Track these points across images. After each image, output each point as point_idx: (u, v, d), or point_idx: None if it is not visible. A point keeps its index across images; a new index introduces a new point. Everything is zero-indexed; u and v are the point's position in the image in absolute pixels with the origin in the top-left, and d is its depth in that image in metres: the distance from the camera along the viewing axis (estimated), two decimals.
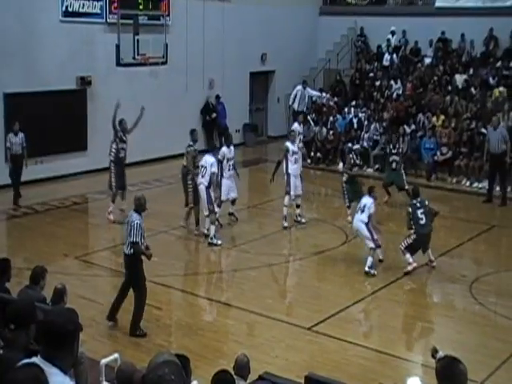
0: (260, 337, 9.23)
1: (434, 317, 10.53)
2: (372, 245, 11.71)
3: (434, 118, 19.77)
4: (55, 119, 17.11)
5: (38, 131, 16.66)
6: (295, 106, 22.52)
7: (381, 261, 12.25)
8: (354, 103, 21.94)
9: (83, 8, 17.91)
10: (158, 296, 10.77)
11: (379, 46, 24.28)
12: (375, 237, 11.81)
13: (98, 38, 18.10)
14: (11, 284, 7.94)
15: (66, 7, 17.51)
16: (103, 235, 13.79)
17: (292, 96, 22.63)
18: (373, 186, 12.90)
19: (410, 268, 11.65)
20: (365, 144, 20.28)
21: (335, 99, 22.83)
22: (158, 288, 11.02)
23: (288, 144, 14.34)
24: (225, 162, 13.55)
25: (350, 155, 15.13)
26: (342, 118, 21.43)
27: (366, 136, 20.41)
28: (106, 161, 16.47)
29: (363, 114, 21.18)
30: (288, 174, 14.10)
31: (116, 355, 6.66)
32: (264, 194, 15.41)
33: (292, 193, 14.06)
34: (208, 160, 12.99)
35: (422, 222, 11.68)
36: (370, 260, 11.65)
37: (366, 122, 20.77)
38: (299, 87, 22.60)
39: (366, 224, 11.82)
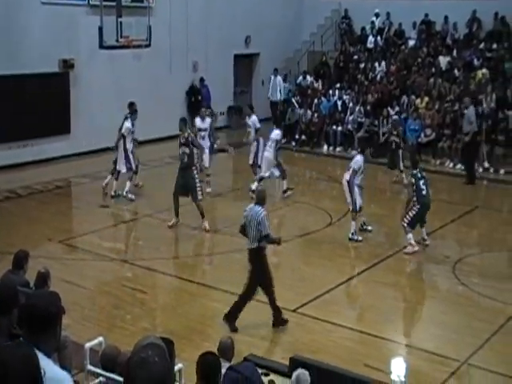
0: (245, 319, 9.24)
1: (417, 298, 10.60)
2: (350, 207, 11.84)
3: (418, 100, 19.81)
4: (38, 103, 16.94)
5: (21, 115, 16.52)
6: (269, 95, 22.68)
7: (365, 229, 12.33)
8: (338, 86, 21.92)
9: None
10: (143, 280, 10.79)
11: (363, 28, 24.26)
12: (355, 198, 11.87)
13: (80, 20, 17.91)
14: None
15: None
16: (87, 219, 13.73)
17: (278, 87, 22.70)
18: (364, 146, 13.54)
19: (410, 250, 11.71)
20: (349, 126, 20.30)
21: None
22: (142, 271, 11.03)
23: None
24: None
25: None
26: (326, 100, 21.42)
27: (350, 118, 20.43)
28: (89, 144, 16.44)
29: (347, 97, 21.19)
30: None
31: (100, 339, 6.66)
32: (248, 177, 15.38)
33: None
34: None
35: (424, 192, 11.78)
36: (352, 225, 11.72)
37: (350, 105, 20.77)
38: (279, 77, 22.74)
39: (348, 182, 11.90)
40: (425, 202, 11.80)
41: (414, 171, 12.00)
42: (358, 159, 12.32)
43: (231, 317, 8.94)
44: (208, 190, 14.97)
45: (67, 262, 11.32)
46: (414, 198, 11.80)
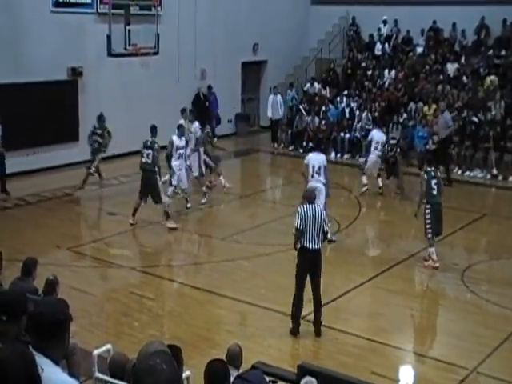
0: (252, 326, 9.25)
1: (425, 305, 10.58)
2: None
3: (426, 107, 19.79)
4: (47, 110, 17.03)
5: (30, 122, 16.61)
6: (270, 115, 22.06)
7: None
8: (346, 93, 21.93)
9: None
10: (151, 287, 10.80)
11: (371, 36, 24.27)
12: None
13: (88, 28, 18.00)
14: (3, 276, 7.93)
15: None
16: (95, 226, 13.78)
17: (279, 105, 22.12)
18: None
19: (430, 264, 11.48)
20: (357, 134, 20.31)
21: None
22: (150, 278, 11.05)
23: (174, 137, 14.08)
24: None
25: None
26: (334, 107, 21.43)
27: (358, 126, 20.43)
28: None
29: (355, 104, 21.19)
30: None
31: (108, 346, 6.66)
32: (256, 184, 15.40)
33: (175, 183, 14.00)
34: None
35: (435, 192, 11.54)
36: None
37: (357, 112, 20.77)
38: (272, 95, 22.07)
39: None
40: (434, 201, 11.53)
41: (429, 169, 11.78)
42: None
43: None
44: (203, 200, 14.91)
45: (75, 269, 11.34)
46: (425, 200, 11.61)
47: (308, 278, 9.02)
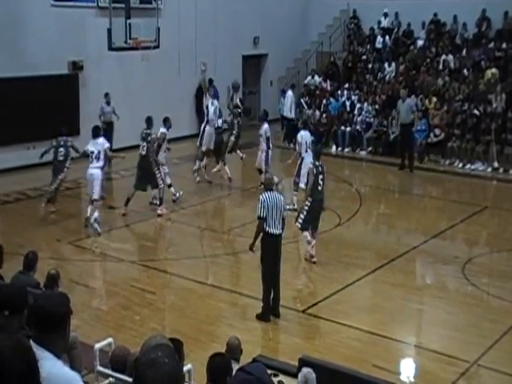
0: (253, 320, 9.26)
1: (426, 298, 10.58)
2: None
3: (427, 101, 19.77)
4: (47, 104, 17.01)
5: (31, 116, 16.60)
6: (287, 111, 21.33)
7: None
8: (346, 86, 21.90)
9: None
10: (152, 280, 10.81)
11: (372, 29, 24.20)
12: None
13: (89, 22, 17.98)
14: (4, 270, 7.94)
15: None
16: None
17: (288, 105, 21.28)
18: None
19: (310, 249, 11.39)
20: (358, 127, 20.30)
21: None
22: (151, 272, 11.06)
23: (164, 130, 14.28)
24: None
25: None
26: (335, 100, 21.40)
27: (358, 119, 20.42)
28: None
29: (356, 97, 21.17)
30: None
31: (110, 339, 6.68)
32: (257, 178, 15.36)
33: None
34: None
35: (320, 188, 11.30)
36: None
37: (358, 105, 20.75)
38: (290, 92, 21.20)
39: None
40: (317, 198, 11.24)
41: (317, 163, 11.37)
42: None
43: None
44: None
45: (76, 262, 11.36)
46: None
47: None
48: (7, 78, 16.28)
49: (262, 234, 9.25)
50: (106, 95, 17.49)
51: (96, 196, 12.79)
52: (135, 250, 12.54)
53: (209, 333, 8.92)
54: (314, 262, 11.33)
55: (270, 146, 15.37)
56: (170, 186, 14.42)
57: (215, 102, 16.23)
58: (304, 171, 13.33)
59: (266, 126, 15.27)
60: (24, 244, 10.89)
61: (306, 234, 11.43)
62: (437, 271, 11.67)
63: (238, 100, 16.73)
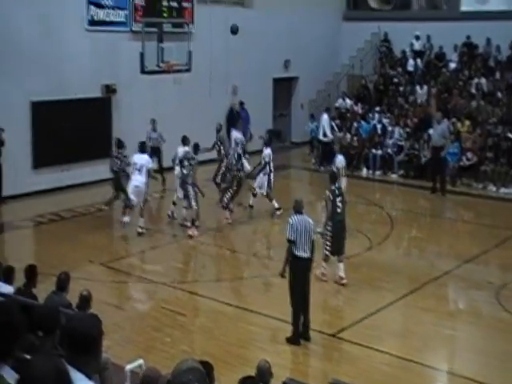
0: (283, 343, 9.21)
1: (459, 324, 10.43)
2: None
3: (459, 124, 19.64)
4: (81, 127, 17.29)
5: (65, 139, 16.87)
6: (324, 134, 20.71)
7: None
8: (377, 109, 21.87)
9: (108, 17, 18.14)
10: (182, 302, 10.83)
11: (403, 51, 24.18)
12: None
13: (122, 46, 18.27)
14: (37, 290, 8.04)
15: (92, 16, 17.74)
16: (128, 241, 13.87)
17: (325, 127, 20.75)
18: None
19: (321, 275, 11.36)
20: (389, 150, 20.22)
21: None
22: (182, 294, 11.09)
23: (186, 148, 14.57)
24: None
25: None
26: (366, 123, 21.36)
27: (389, 142, 20.34)
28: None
29: (387, 120, 21.12)
30: None
31: (141, 361, 6.70)
32: (287, 200, 15.33)
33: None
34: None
35: (339, 210, 11.28)
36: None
37: (389, 128, 20.70)
38: (325, 116, 20.77)
39: None
40: (337, 219, 11.23)
41: (333, 187, 11.42)
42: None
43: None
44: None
45: (108, 283, 11.43)
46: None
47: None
48: (43, 101, 16.58)
49: (291, 257, 9.23)
50: (153, 122, 17.48)
51: (142, 205, 13.93)
52: (166, 272, 12.57)
53: (239, 356, 8.89)
54: (343, 284, 11.29)
55: (272, 169, 15.38)
56: (174, 203, 14.88)
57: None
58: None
59: (268, 151, 15.38)
60: (57, 265, 11.00)
61: (324, 264, 11.42)
62: (470, 296, 11.50)
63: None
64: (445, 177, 17.91)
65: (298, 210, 9.45)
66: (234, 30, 15.82)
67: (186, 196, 13.99)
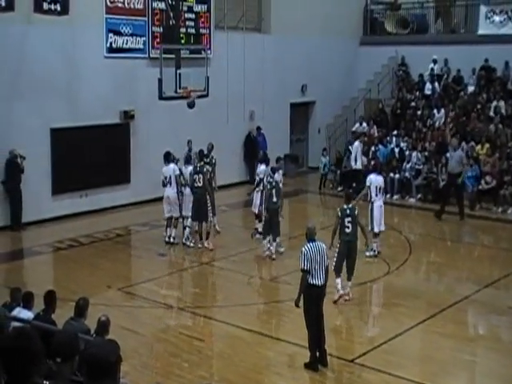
0: (301, 369, 9.15)
1: (479, 349, 10.30)
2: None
3: (479, 147, 19.56)
4: (99, 153, 17.46)
5: (84, 165, 17.03)
6: (355, 164, 20.34)
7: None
8: (395, 133, 21.86)
9: (127, 44, 18.38)
10: (200, 327, 10.83)
11: (421, 75, 24.20)
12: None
13: (140, 72, 18.47)
14: (56, 316, 8.07)
15: (111, 43, 17.99)
16: (145, 267, 13.91)
17: (353, 155, 20.40)
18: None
19: (336, 297, 11.40)
20: (406, 174, 20.16)
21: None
22: (199, 319, 11.08)
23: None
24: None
25: None
26: (383, 147, 21.34)
27: (407, 166, 20.29)
28: (148, 193, 16.73)
29: (405, 144, 21.09)
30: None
31: None
32: (304, 225, 15.31)
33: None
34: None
35: (348, 230, 11.46)
36: None
37: (407, 152, 20.66)
38: (357, 143, 20.45)
39: None
40: (346, 239, 11.48)
41: (344, 206, 11.67)
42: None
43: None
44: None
45: (126, 309, 11.45)
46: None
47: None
48: (62, 127, 16.77)
49: (306, 286, 9.19)
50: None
51: (177, 214, 14.74)
52: (184, 297, 12.59)
53: (257, 381, 8.85)
54: (346, 300, 11.46)
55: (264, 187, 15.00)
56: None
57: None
58: (376, 215, 13.82)
59: (262, 167, 15.35)
60: (76, 290, 11.05)
61: (338, 281, 11.43)
62: (490, 322, 11.37)
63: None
64: (463, 201, 17.74)
65: (310, 237, 9.45)
66: (191, 106, 15.95)
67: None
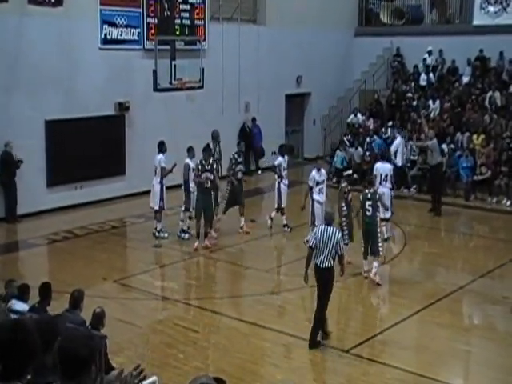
0: (297, 359, 9.18)
1: (474, 339, 10.35)
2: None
3: (474, 137, 19.56)
4: (94, 145, 17.41)
5: (79, 157, 16.98)
6: (398, 161, 19.20)
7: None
8: (390, 124, 21.85)
9: (121, 35, 18.31)
10: (195, 319, 10.84)
11: (416, 66, 24.19)
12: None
13: (135, 64, 18.42)
14: (51, 308, 8.07)
15: (105, 35, 17.91)
16: (141, 259, 13.91)
17: (393, 150, 19.42)
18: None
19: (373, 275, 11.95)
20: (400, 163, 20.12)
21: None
22: (195, 311, 11.09)
23: (187, 160, 14.75)
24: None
25: None
26: (379, 138, 21.32)
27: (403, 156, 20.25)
28: (143, 185, 16.70)
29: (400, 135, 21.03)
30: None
31: (154, 378, 6.70)
32: (301, 216, 15.33)
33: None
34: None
35: (368, 213, 12.05)
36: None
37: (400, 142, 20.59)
38: (399, 139, 19.55)
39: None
40: (365, 221, 12.16)
41: (366, 190, 12.37)
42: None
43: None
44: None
45: (121, 301, 11.45)
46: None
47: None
48: (57, 119, 16.72)
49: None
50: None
51: (156, 206, 14.55)
52: (179, 289, 12.60)
53: (253, 372, 8.86)
54: (379, 284, 11.84)
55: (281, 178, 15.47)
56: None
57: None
58: (386, 201, 13.89)
59: (279, 159, 15.65)
60: (71, 282, 11.03)
61: (365, 262, 12.15)
62: (485, 311, 11.42)
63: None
64: (440, 196, 17.39)
65: (327, 221, 9.93)
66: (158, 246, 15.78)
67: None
